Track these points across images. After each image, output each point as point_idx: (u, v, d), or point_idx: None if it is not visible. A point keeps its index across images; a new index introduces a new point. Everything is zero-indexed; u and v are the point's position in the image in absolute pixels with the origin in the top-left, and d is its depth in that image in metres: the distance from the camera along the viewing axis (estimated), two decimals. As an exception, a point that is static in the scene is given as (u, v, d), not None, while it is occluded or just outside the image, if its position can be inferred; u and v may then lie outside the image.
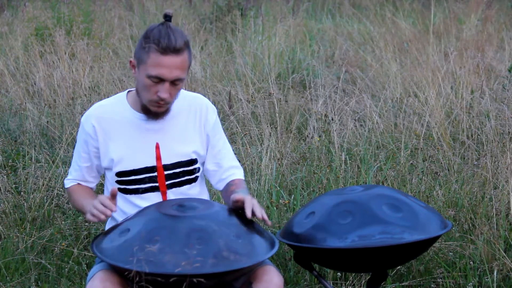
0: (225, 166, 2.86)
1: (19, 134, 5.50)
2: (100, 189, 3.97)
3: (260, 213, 2.57)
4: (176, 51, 2.58)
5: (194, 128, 2.81)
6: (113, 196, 2.57)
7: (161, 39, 2.57)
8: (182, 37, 2.59)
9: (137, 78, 2.67)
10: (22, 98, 6.12)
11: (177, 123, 2.78)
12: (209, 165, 2.86)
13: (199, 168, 2.83)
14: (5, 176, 4.51)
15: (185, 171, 2.79)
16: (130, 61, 2.70)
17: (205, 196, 2.91)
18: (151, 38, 2.59)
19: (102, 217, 2.55)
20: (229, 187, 2.83)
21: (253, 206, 2.58)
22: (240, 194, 2.67)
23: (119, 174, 2.77)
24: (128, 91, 2.82)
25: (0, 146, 5.17)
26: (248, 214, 2.55)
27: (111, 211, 2.55)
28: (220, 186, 2.88)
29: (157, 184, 2.76)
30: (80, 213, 3.13)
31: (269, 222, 2.57)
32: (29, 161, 4.78)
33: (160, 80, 2.60)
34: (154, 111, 2.70)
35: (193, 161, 2.80)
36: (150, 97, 2.65)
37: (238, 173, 2.90)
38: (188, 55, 2.63)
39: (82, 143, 2.81)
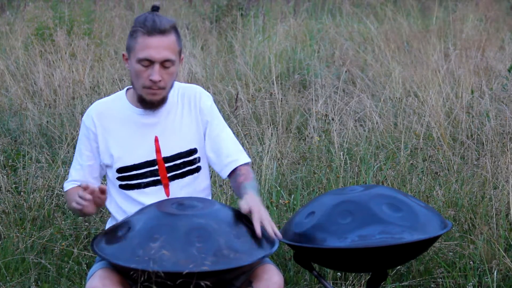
0: (225, 152, 2.80)
1: (19, 134, 5.50)
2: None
3: (271, 228, 2.54)
4: (161, 32, 2.64)
5: (190, 117, 2.81)
6: (102, 192, 2.58)
7: (147, 22, 2.65)
8: (168, 21, 2.67)
9: (130, 69, 2.72)
10: (22, 98, 6.12)
11: (173, 115, 2.80)
12: (209, 152, 2.82)
13: (199, 158, 2.82)
14: (5, 176, 4.51)
15: (185, 162, 2.79)
16: (123, 55, 2.75)
17: (209, 190, 2.88)
18: (137, 24, 2.67)
19: (84, 203, 2.54)
20: (237, 177, 2.76)
21: (262, 220, 2.54)
22: (248, 199, 2.61)
23: (119, 170, 2.78)
24: (127, 89, 2.84)
25: (0, 146, 5.17)
26: (258, 231, 2.51)
27: (86, 198, 2.54)
28: (225, 173, 2.80)
29: (158, 178, 2.77)
30: (75, 214, 3.11)
31: (280, 236, 2.55)
32: (29, 161, 4.78)
33: (149, 62, 2.65)
34: (149, 99, 2.71)
35: (192, 151, 2.81)
36: (143, 83, 2.68)
37: (242, 158, 2.81)
38: (176, 38, 2.69)
39: (84, 140, 2.82)
